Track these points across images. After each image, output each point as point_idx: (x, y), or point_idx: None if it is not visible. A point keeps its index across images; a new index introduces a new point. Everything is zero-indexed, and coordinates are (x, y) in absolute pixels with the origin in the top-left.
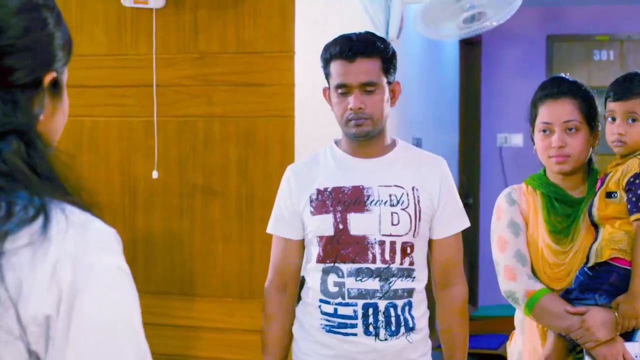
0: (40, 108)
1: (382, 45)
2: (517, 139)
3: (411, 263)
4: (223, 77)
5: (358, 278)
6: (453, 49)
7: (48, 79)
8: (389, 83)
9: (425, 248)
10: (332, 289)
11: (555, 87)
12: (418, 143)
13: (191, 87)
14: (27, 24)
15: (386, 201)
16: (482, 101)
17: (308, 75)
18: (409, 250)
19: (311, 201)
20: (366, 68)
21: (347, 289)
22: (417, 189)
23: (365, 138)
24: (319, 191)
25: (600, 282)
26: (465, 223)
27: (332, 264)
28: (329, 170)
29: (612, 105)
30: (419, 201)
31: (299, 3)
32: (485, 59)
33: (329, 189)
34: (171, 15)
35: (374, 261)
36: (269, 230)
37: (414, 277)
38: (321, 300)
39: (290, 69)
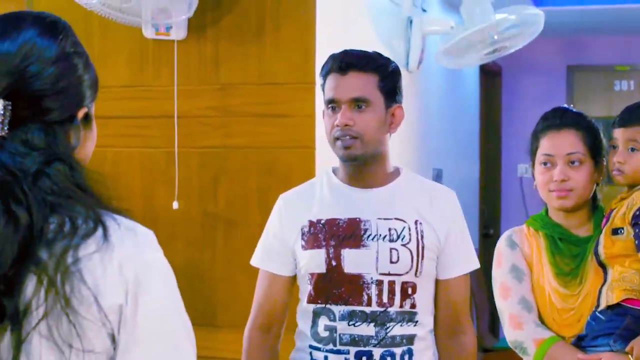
0: (77, 139)
1: (381, 61)
2: None
3: (413, 305)
4: (244, 108)
5: (351, 322)
6: (473, 79)
7: (80, 114)
8: (388, 105)
9: (431, 289)
10: (323, 333)
11: (558, 118)
12: (439, 174)
13: (212, 118)
14: (61, 71)
15: (385, 236)
16: (503, 131)
17: None
18: (410, 291)
19: (303, 234)
20: (358, 82)
21: (339, 334)
22: (420, 223)
23: (356, 163)
24: (311, 223)
25: (614, 327)
26: (474, 264)
27: (323, 305)
28: (323, 200)
29: (615, 132)
30: (422, 236)
31: (320, 34)
32: (506, 89)
33: (322, 221)
34: (193, 46)
35: (369, 303)
36: (254, 262)
37: (417, 322)
38: (311, 346)
39: (311, 100)
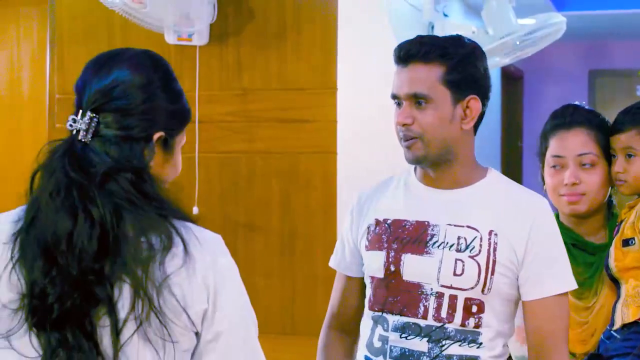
0: (150, 157)
1: (449, 49)
2: None
3: (477, 325)
4: (265, 113)
5: (403, 335)
6: (495, 83)
7: (156, 136)
8: (458, 99)
9: (507, 311)
10: (377, 343)
11: (568, 116)
12: None
13: (233, 123)
14: (144, 96)
15: (452, 244)
16: (525, 136)
17: (350, 111)
18: (474, 310)
19: (368, 233)
20: (417, 76)
21: (390, 346)
22: (495, 234)
23: (421, 165)
24: (377, 222)
25: (630, 346)
26: (566, 285)
27: (380, 313)
28: (395, 198)
29: (611, 140)
30: (495, 249)
31: (341, 39)
32: (528, 94)
33: (388, 221)
34: (214, 52)
35: (424, 316)
36: (330, 263)
37: (480, 344)
38: (366, 357)
39: (333, 105)
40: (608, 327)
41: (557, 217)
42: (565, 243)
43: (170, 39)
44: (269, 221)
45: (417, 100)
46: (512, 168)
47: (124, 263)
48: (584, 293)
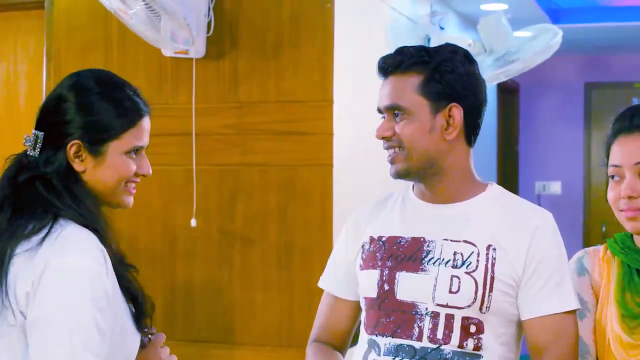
0: (81, 166)
1: (425, 57)
2: (555, 187)
3: (477, 347)
4: (262, 126)
5: (397, 358)
6: (491, 96)
7: (69, 146)
8: (439, 108)
9: (509, 331)
10: None
11: (628, 119)
12: None
13: (231, 136)
14: (54, 112)
15: (448, 260)
16: (520, 149)
17: (347, 124)
18: (473, 330)
19: (363, 252)
20: (395, 87)
21: None
22: (494, 249)
23: (406, 179)
24: (372, 240)
25: None
26: (568, 304)
27: (371, 336)
28: (391, 215)
29: (615, 151)
30: (493, 265)
31: (338, 53)
32: (524, 106)
33: (383, 238)
34: (211, 65)
35: (419, 338)
36: (319, 283)
37: None
38: None
39: (330, 118)
40: None
41: (631, 237)
42: (629, 267)
43: (167, 51)
44: (266, 234)
45: (395, 112)
46: (509, 180)
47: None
48: (637, 328)
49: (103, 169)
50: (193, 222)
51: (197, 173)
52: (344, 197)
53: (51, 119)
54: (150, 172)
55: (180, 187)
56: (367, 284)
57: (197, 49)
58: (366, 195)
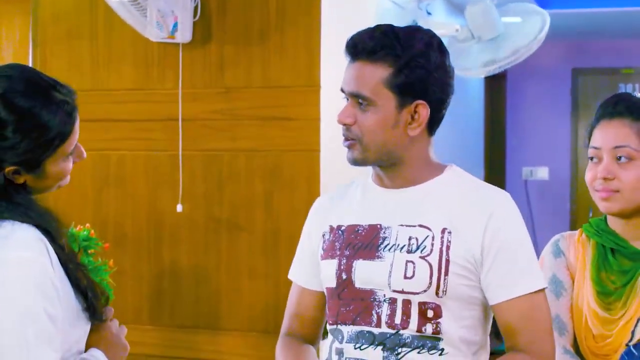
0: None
1: (399, 49)
2: (542, 172)
3: (436, 332)
4: (249, 112)
5: (357, 345)
6: (478, 82)
7: (7, 170)
8: (404, 104)
9: (471, 315)
10: (334, 357)
11: (611, 106)
12: None
13: (217, 122)
14: None
15: (403, 246)
16: (508, 134)
17: (334, 109)
18: (430, 314)
19: (323, 241)
20: (362, 75)
21: (345, 359)
22: (449, 232)
23: (362, 166)
24: (331, 229)
25: None
26: (535, 283)
27: (334, 326)
28: (351, 203)
29: (597, 135)
30: (448, 248)
31: (325, 38)
32: (511, 92)
33: (342, 227)
34: (198, 50)
35: (378, 324)
36: (289, 275)
37: (442, 351)
38: None
39: (316, 104)
40: (627, 343)
41: (606, 217)
42: (604, 248)
43: (153, 36)
44: (252, 220)
45: (358, 100)
46: (496, 166)
47: None
48: (612, 304)
49: (43, 180)
50: (179, 208)
51: (184, 158)
52: (330, 183)
53: None
54: (85, 155)
55: (166, 173)
56: (327, 274)
57: (184, 35)
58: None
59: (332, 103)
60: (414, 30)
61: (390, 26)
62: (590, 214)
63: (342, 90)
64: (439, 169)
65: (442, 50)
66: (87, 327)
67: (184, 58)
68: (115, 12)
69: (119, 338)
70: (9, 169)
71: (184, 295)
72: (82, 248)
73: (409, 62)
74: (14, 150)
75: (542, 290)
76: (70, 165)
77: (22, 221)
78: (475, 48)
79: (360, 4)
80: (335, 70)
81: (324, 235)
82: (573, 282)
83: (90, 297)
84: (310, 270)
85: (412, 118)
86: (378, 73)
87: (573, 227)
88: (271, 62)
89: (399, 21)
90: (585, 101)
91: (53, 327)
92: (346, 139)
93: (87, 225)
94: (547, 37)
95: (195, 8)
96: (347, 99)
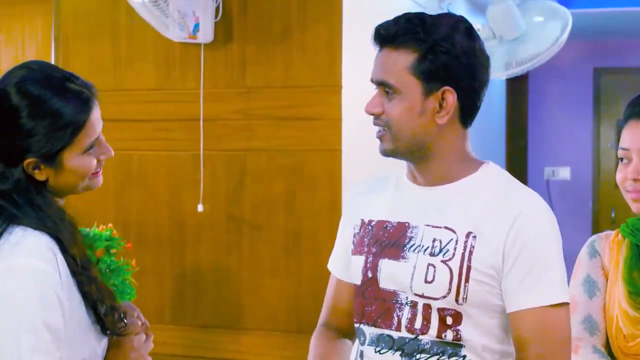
0: (19, 177)
1: (423, 34)
2: (564, 173)
3: (457, 338)
4: (270, 112)
5: (377, 348)
6: (500, 82)
7: (26, 162)
8: (431, 90)
9: (492, 323)
10: (357, 358)
11: (638, 106)
12: None
13: (238, 121)
14: (8, 125)
15: (427, 247)
16: (529, 134)
17: (355, 109)
18: (450, 321)
19: (354, 235)
20: (387, 63)
21: None
22: (474, 236)
23: (395, 158)
24: (362, 223)
25: None
26: (552, 297)
27: (358, 324)
28: (383, 197)
29: (626, 134)
30: (470, 253)
31: (346, 37)
32: (532, 92)
33: (372, 222)
34: (219, 50)
35: (397, 328)
36: (328, 264)
37: (464, 358)
38: None
39: (338, 103)
40: None
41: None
42: (638, 247)
43: (174, 36)
44: (274, 219)
45: (385, 89)
46: (517, 167)
47: None
48: None
49: (64, 175)
50: (200, 208)
51: (205, 158)
52: (352, 182)
53: (4, 135)
54: (112, 153)
55: (187, 173)
56: (355, 270)
57: (205, 35)
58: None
59: (353, 103)
60: (441, 16)
61: (418, 13)
62: (613, 214)
63: (372, 80)
64: (473, 166)
65: (470, 35)
66: (101, 340)
67: (205, 58)
68: (137, 12)
69: (139, 354)
70: (28, 161)
71: (206, 295)
72: (105, 248)
73: (433, 47)
74: (30, 138)
75: (562, 304)
76: (92, 161)
77: (35, 228)
78: (497, 49)
79: (381, 4)
80: (356, 69)
81: (355, 229)
82: (607, 281)
83: (101, 310)
84: (345, 261)
85: (440, 106)
86: (402, 59)
87: (595, 227)
88: (293, 62)
89: None
90: (607, 101)
91: (52, 339)
92: (377, 128)
93: (110, 225)
94: (568, 37)
95: (217, 8)
96: (376, 89)
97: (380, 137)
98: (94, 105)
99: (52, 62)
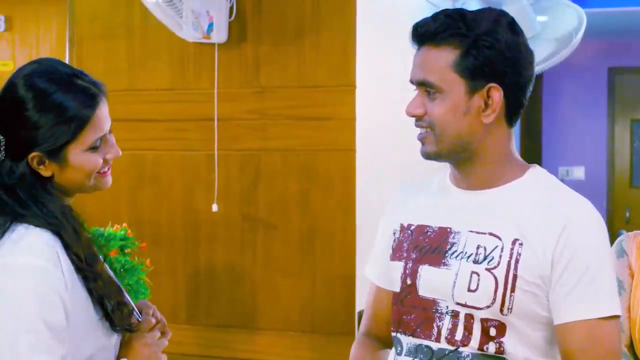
0: (24, 172)
1: (465, 29)
2: (579, 172)
3: (499, 351)
4: (284, 111)
5: (415, 359)
6: None
7: (30, 156)
8: (475, 88)
9: (538, 333)
10: None
11: None
12: None
13: (252, 121)
14: (14, 118)
15: (470, 254)
16: (544, 134)
17: (369, 108)
18: (493, 332)
19: (393, 240)
20: (427, 61)
21: None
22: (520, 244)
23: (437, 160)
24: (402, 227)
25: None
26: (602, 309)
27: (395, 333)
28: (424, 200)
29: None
30: (517, 261)
31: (360, 38)
32: (547, 91)
33: (412, 227)
34: (233, 50)
35: (437, 339)
36: (365, 271)
37: None
38: None
39: (352, 103)
40: None
41: None
42: None
43: (189, 36)
44: (288, 219)
45: (427, 88)
46: None
47: None
48: None
49: (69, 171)
50: (214, 207)
51: (219, 158)
52: (366, 182)
53: (10, 127)
54: (120, 153)
55: (201, 173)
56: (394, 277)
57: (219, 35)
58: (389, 181)
59: (367, 102)
60: (482, 10)
61: (456, 8)
62: (627, 214)
63: (411, 81)
64: (520, 169)
65: (513, 29)
66: (111, 336)
67: (219, 58)
68: (151, 13)
69: (152, 351)
70: (33, 155)
71: (220, 294)
72: (119, 247)
73: (476, 42)
74: (35, 131)
75: (612, 317)
76: (97, 159)
77: (38, 225)
78: None
79: (395, 4)
80: (370, 69)
81: (394, 234)
82: (632, 281)
83: (108, 306)
84: (383, 268)
85: (486, 104)
86: (444, 57)
87: (610, 227)
88: (306, 62)
89: None
90: (622, 100)
91: (53, 336)
92: (419, 130)
93: (124, 224)
94: (583, 36)
95: (231, 8)
96: (416, 90)
97: (423, 139)
98: (101, 102)
99: (67, 61)
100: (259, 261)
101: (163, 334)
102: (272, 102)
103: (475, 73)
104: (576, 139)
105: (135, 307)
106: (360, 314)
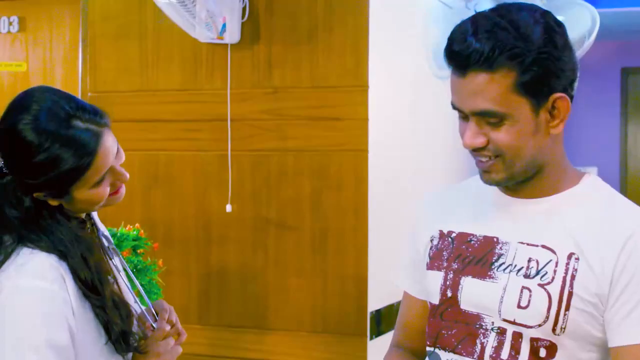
0: (29, 205)
1: (521, 46)
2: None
3: None
4: (297, 112)
5: None
6: None
7: (35, 194)
8: (541, 102)
9: (590, 355)
10: None
11: None
12: None
13: (265, 122)
14: (20, 157)
15: (521, 268)
16: None
17: (382, 109)
18: (543, 354)
19: (431, 247)
20: (481, 89)
21: None
22: (577, 258)
23: (504, 185)
24: (441, 234)
25: None
26: None
27: (432, 348)
28: (465, 206)
29: None
30: (573, 278)
31: (373, 37)
32: None
33: (453, 234)
34: (246, 51)
35: (480, 356)
36: (395, 279)
37: None
38: None
39: (364, 103)
40: None
41: None
42: None
43: (202, 37)
44: (300, 219)
45: (486, 119)
46: None
47: None
48: None
49: (77, 203)
50: (228, 208)
51: (232, 158)
52: (379, 183)
53: (16, 166)
54: (127, 177)
55: (214, 173)
56: (431, 288)
57: (232, 35)
58: (401, 182)
59: (380, 103)
60: (522, 14)
61: (491, 19)
62: None
63: (455, 108)
64: (575, 178)
65: (559, 24)
66: (119, 358)
67: (232, 58)
68: (164, 13)
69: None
70: (37, 194)
71: (232, 294)
72: (132, 248)
73: (536, 59)
74: (34, 180)
75: None
76: (104, 191)
77: (44, 249)
78: None
79: (408, 4)
80: (384, 70)
81: (432, 240)
82: None
83: (112, 335)
84: (416, 277)
85: (551, 114)
86: (502, 81)
87: None
88: (319, 62)
89: (447, 21)
90: (635, 101)
91: (57, 356)
92: (483, 161)
93: (137, 225)
94: (596, 37)
95: (244, 9)
96: (463, 117)
97: (489, 168)
98: (104, 136)
99: (80, 63)
100: (270, 261)
101: (176, 339)
102: (285, 102)
103: (538, 88)
104: (589, 139)
105: (152, 307)
106: (372, 314)
